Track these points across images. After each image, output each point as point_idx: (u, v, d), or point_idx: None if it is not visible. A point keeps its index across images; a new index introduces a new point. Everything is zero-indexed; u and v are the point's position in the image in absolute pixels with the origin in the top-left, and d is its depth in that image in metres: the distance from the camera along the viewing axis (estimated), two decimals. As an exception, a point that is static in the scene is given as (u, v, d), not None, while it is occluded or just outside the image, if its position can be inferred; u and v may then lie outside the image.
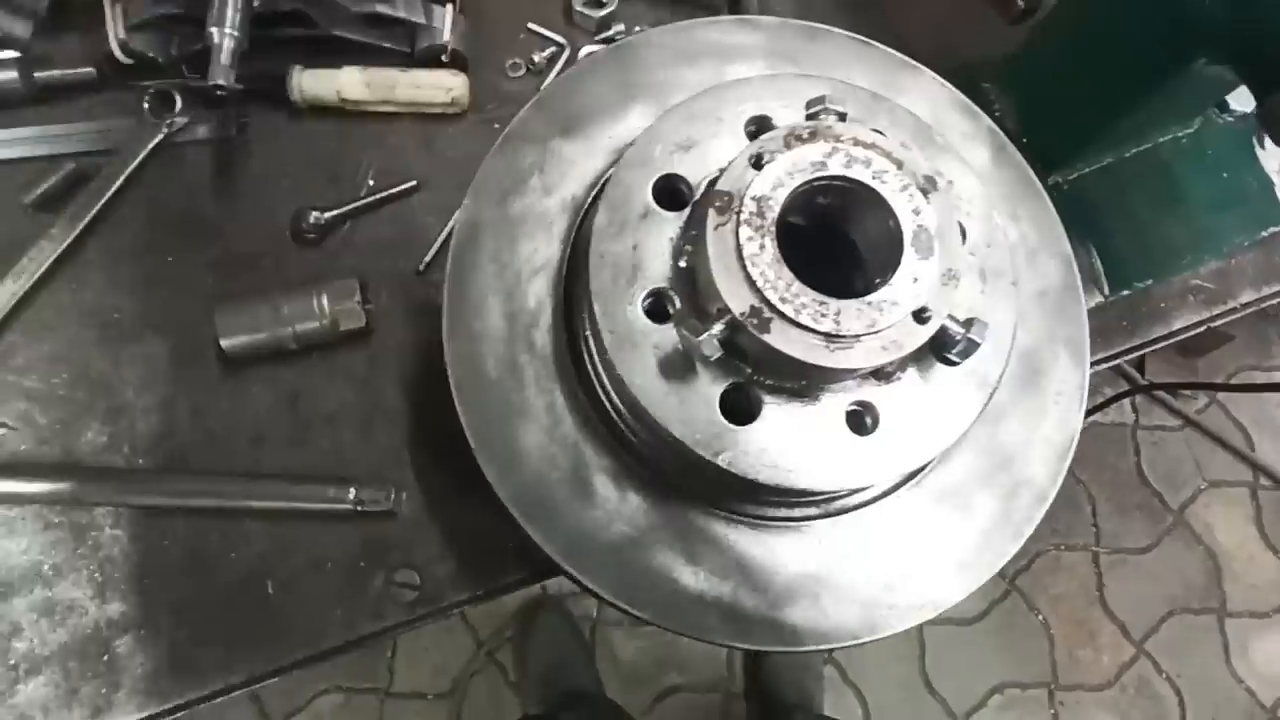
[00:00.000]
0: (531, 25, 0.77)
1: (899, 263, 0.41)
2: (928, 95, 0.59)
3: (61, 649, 0.61)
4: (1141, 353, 0.72)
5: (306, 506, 0.63)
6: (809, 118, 0.45)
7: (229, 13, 0.57)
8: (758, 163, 0.42)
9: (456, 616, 2.23)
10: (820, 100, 0.45)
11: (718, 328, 0.41)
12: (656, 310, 0.45)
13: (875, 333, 0.40)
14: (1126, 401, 2.49)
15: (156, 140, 0.70)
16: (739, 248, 0.40)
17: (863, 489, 0.48)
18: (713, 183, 0.45)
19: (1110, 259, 0.72)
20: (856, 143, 0.43)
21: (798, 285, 0.40)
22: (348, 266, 0.69)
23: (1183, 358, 2.53)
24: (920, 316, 0.41)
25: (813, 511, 0.50)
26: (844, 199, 0.44)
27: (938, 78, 0.60)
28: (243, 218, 0.71)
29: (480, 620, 2.22)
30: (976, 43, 0.78)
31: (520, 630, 2.18)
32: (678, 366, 0.44)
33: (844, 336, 0.40)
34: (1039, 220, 0.58)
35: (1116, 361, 0.71)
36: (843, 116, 0.45)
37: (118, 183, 0.69)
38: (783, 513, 0.49)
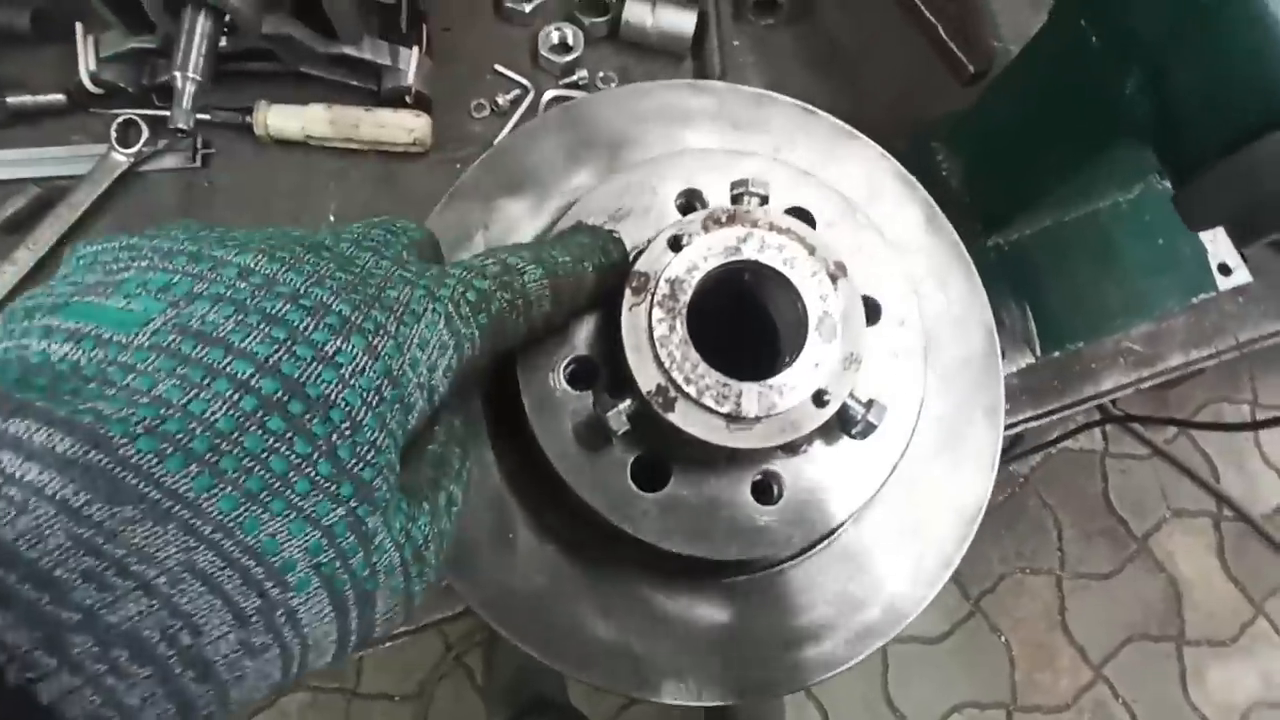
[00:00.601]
0: (498, 67, 0.79)
1: (802, 347, 0.43)
2: (866, 163, 0.61)
3: None
4: (1067, 413, 0.74)
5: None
6: (733, 199, 0.48)
7: (193, 57, 0.59)
8: (676, 244, 0.44)
9: (427, 617, 2.25)
10: (744, 183, 0.47)
11: (626, 403, 0.43)
12: (579, 376, 0.47)
13: (774, 415, 0.43)
14: (1097, 431, 2.54)
15: (123, 169, 0.72)
16: (650, 329, 0.43)
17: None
18: (638, 256, 0.47)
19: (1044, 320, 0.74)
20: (772, 228, 0.45)
21: (704, 367, 0.43)
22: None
23: (1154, 388, 2.57)
24: (820, 399, 0.43)
25: (728, 570, 0.52)
26: (759, 280, 0.46)
27: (877, 146, 0.62)
28: (204, 247, 0.73)
29: (449, 624, 2.24)
30: (932, 102, 0.80)
31: (490, 636, 2.20)
32: (594, 433, 0.46)
33: (744, 418, 0.42)
34: (966, 289, 0.60)
35: (1045, 420, 0.74)
36: (764, 200, 0.47)
37: (83, 208, 0.71)
38: (696, 572, 0.51)
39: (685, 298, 0.43)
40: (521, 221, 0.56)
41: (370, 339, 0.27)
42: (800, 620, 0.52)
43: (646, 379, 0.42)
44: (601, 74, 0.79)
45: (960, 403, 0.57)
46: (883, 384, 0.49)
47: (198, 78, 0.60)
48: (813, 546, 0.51)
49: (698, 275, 0.44)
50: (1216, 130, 0.49)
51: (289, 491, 0.24)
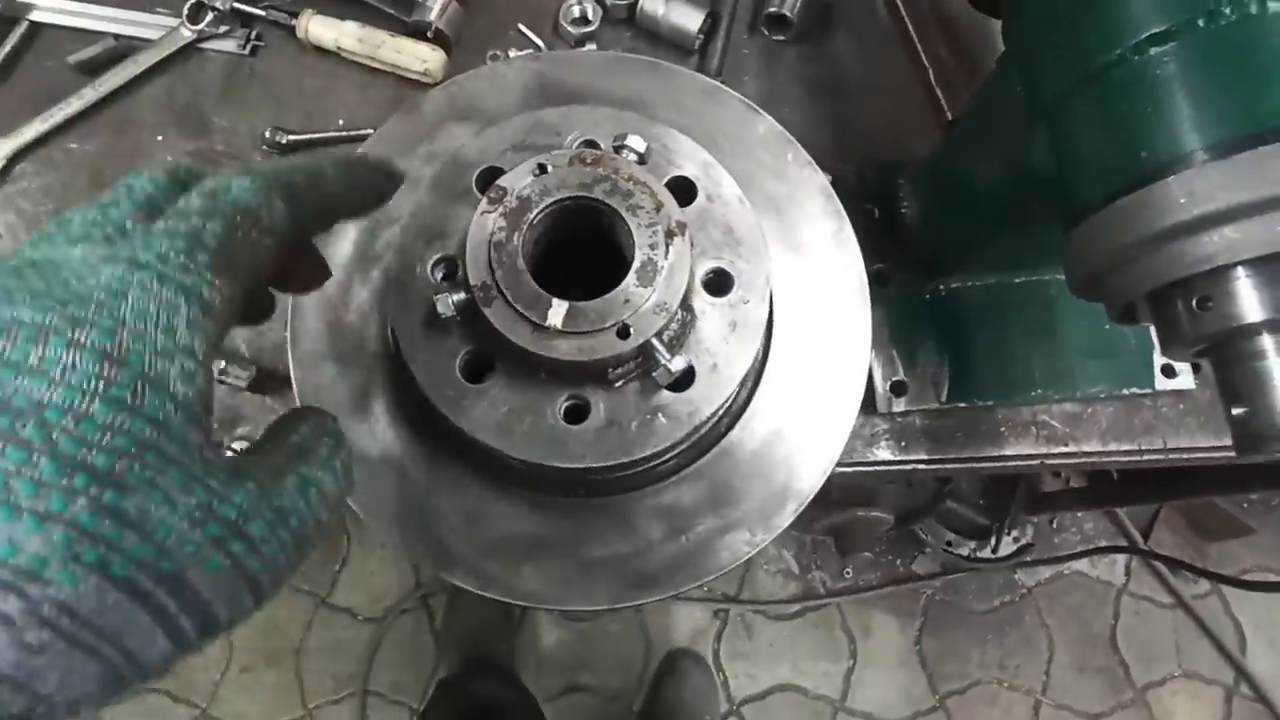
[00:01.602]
0: (521, 26, 0.86)
1: (619, 284, 0.48)
2: (799, 177, 0.64)
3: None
4: (963, 466, 0.74)
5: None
6: (615, 149, 0.52)
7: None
8: (540, 170, 0.50)
9: (406, 552, 2.35)
10: (624, 137, 0.52)
11: (459, 295, 0.48)
12: (449, 274, 0.53)
13: (578, 334, 0.47)
14: (1121, 562, 2.39)
15: (186, 42, 0.84)
16: (490, 234, 0.48)
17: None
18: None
19: (960, 370, 0.75)
20: (630, 179, 0.50)
21: (526, 277, 0.48)
22: (294, 184, 0.80)
23: (1195, 536, 2.40)
24: (623, 333, 0.48)
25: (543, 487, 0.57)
26: (613, 222, 0.51)
27: (812, 161, 0.66)
28: (229, 121, 0.83)
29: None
30: (913, 142, 0.82)
31: (453, 591, 2.27)
32: (438, 321, 0.52)
33: (548, 329, 0.47)
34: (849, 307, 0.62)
35: (942, 467, 0.74)
36: (642, 160, 0.52)
37: (145, 66, 0.83)
38: (511, 476, 0.56)
39: (530, 215, 0.49)
40: (457, 141, 0.63)
41: (71, 334, 0.27)
42: (594, 550, 0.56)
43: (475, 275, 0.48)
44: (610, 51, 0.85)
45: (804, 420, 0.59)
46: (715, 350, 0.53)
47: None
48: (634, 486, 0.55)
49: (548, 200, 0.49)
50: (1088, 192, 0.50)
51: (12, 497, 0.25)
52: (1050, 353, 0.75)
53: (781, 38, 0.87)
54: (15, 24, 0.84)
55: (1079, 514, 2.37)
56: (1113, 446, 0.76)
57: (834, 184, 0.79)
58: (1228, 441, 0.76)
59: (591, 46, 0.84)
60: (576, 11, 0.85)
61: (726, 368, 0.52)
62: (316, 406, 0.39)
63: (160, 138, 0.82)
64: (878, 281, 0.77)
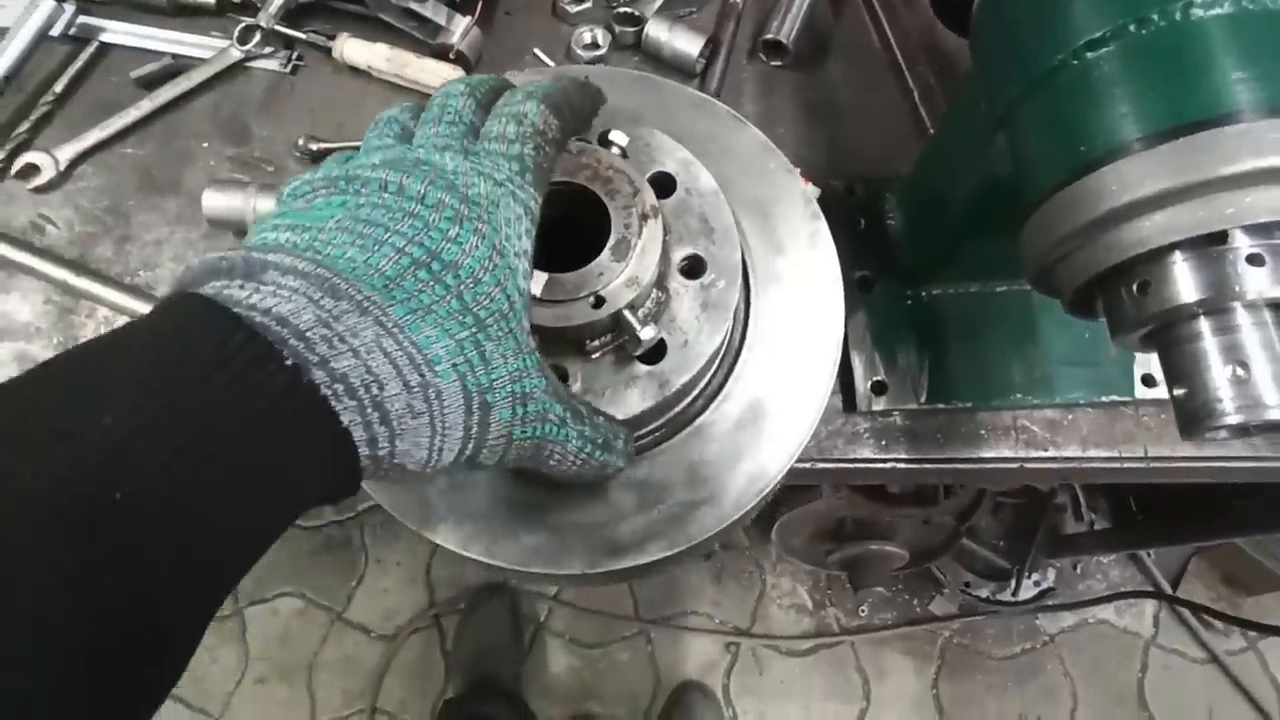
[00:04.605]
0: (536, 51, 0.94)
1: (595, 258, 0.52)
2: (781, 182, 0.69)
3: (18, 390, 0.81)
4: (943, 467, 0.76)
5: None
6: (600, 142, 0.58)
7: (289, -18, 0.78)
8: (529, 160, 0.55)
9: (422, 571, 2.39)
10: (608, 132, 0.57)
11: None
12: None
13: (555, 302, 0.52)
14: (1149, 612, 2.31)
15: (234, 61, 0.93)
16: (481, 212, 0.53)
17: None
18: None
19: (940, 372, 0.77)
20: (611, 168, 0.55)
21: (511, 250, 0.52)
22: (322, 187, 0.87)
23: (1228, 589, 2.31)
24: (597, 302, 0.52)
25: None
26: (593, 203, 0.56)
27: (794, 169, 0.70)
28: (269, 132, 0.91)
29: (442, 582, 2.36)
30: (904, 162, 0.86)
31: (469, 605, 2.29)
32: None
33: (531, 295, 0.51)
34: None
35: (918, 466, 0.76)
36: (624, 153, 0.57)
37: (197, 82, 0.92)
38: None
39: (519, 197, 0.54)
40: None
41: (476, 225, 0.38)
42: (569, 516, 0.59)
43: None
44: (617, 73, 0.91)
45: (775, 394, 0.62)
46: (688, 327, 0.57)
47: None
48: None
49: (536, 185, 0.54)
50: (1037, 189, 0.54)
51: (434, 314, 0.36)
52: (1030, 359, 0.78)
53: (779, 63, 0.92)
54: (86, 43, 0.94)
55: (1103, 559, 2.31)
56: (1093, 453, 0.77)
57: (825, 197, 0.84)
58: (1209, 452, 0.77)
59: (602, 69, 0.91)
60: (587, 38, 0.92)
61: (697, 344, 0.56)
62: None
63: (205, 144, 0.91)
64: (862, 287, 0.81)
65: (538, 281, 0.52)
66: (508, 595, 2.28)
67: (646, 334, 0.53)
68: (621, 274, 0.52)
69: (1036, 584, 2.14)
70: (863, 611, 2.23)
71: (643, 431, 0.60)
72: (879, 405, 0.76)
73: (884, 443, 0.77)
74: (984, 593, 2.11)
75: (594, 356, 0.56)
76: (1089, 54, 0.50)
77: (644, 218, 0.54)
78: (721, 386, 0.63)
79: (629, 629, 2.24)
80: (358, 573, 2.37)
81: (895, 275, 0.81)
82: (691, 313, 0.57)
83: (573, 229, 0.58)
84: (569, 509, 0.60)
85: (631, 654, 2.24)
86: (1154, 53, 0.48)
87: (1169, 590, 2.25)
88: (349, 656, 2.28)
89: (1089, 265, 0.50)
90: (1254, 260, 0.44)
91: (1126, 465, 0.76)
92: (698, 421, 0.62)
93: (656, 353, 0.55)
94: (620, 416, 0.55)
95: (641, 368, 0.56)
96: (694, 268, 0.58)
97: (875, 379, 0.77)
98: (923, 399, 0.77)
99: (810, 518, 1.83)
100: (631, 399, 0.55)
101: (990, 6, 0.59)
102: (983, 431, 0.78)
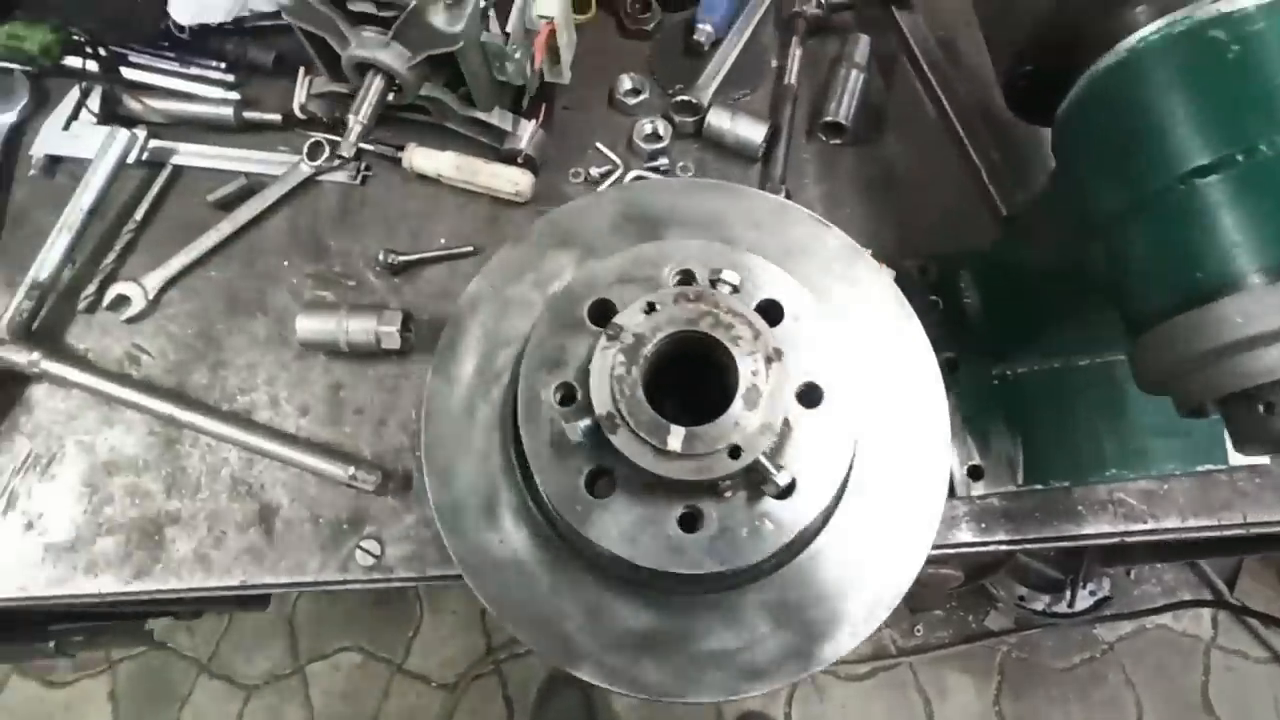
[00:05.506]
0: (599, 145, 0.95)
1: (727, 409, 0.54)
2: (870, 283, 0.70)
3: (131, 522, 0.83)
4: (1045, 546, 0.77)
5: (318, 468, 0.82)
6: (711, 283, 0.59)
7: (365, 107, 0.80)
8: (650, 309, 0.57)
9: (477, 617, 2.40)
10: (719, 271, 0.59)
11: (586, 422, 0.55)
12: (566, 397, 0.60)
13: (694, 456, 0.53)
14: (1206, 613, 2.30)
15: (305, 176, 0.95)
16: (611, 369, 0.55)
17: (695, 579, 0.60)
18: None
19: (1033, 452, 0.79)
20: (729, 311, 0.56)
21: (645, 406, 0.54)
22: (405, 300, 0.90)
23: (1285, 586, 2.30)
24: (734, 453, 0.53)
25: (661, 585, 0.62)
26: (715, 348, 0.57)
27: (880, 267, 0.71)
28: (345, 245, 0.93)
29: (499, 628, 2.38)
30: (970, 235, 0.87)
31: (542, 695, 2.29)
32: (565, 443, 0.58)
33: (669, 452, 0.53)
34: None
35: (1075, 542, 0.77)
36: (736, 289, 0.59)
37: (271, 200, 0.94)
38: (626, 576, 0.61)
39: (645, 350, 0.55)
40: (564, 268, 0.70)
41: None
42: (708, 644, 0.60)
43: (600, 405, 0.54)
44: (681, 164, 0.93)
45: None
46: (812, 459, 0.58)
47: (365, 122, 0.80)
48: (738, 584, 0.60)
49: (660, 335, 0.56)
50: (1148, 304, 0.55)
51: None
52: (1121, 432, 0.78)
53: (838, 141, 0.94)
54: (161, 168, 0.96)
55: (1157, 565, 2.30)
56: (1191, 522, 0.78)
57: (898, 278, 0.85)
58: (1309, 514, 0.78)
59: (665, 160, 0.93)
60: (648, 129, 0.94)
61: (824, 474, 0.58)
62: None
63: (286, 263, 0.93)
64: (947, 369, 0.82)
65: (676, 436, 0.53)
66: (579, 686, 2.28)
67: (783, 479, 0.54)
68: (755, 422, 0.54)
69: (1092, 593, 2.14)
70: (918, 631, 2.23)
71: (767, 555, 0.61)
72: (978, 490, 0.77)
73: (984, 525, 0.78)
74: (1039, 605, 2.11)
75: (727, 496, 0.57)
76: (1196, 181, 0.51)
77: (769, 360, 0.55)
78: (838, 501, 0.64)
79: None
80: (414, 623, 2.39)
81: (976, 354, 0.83)
82: (814, 442, 0.58)
83: (689, 364, 0.60)
84: (706, 635, 0.61)
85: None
86: (1265, 183, 0.49)
87: (1227, 593, 2.24)
88: (412, 707, 2.29)
89: (1214, 388, 0.52)
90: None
91: (1228, 533, 0.77)
92: (819, 539, 0.63)
93: (789, 488, 0.56)
94: (760, 556, 0.56)
95: (773, 503, 0.57)
96: (811, 396, 0.59)
97: (971, 463, 0.78)
98: (1020, 481, 0.78)
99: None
100: (769, 536, 0.56)
101: (1078, 118, 0.60)
102: (1080, 507, 0.79)
